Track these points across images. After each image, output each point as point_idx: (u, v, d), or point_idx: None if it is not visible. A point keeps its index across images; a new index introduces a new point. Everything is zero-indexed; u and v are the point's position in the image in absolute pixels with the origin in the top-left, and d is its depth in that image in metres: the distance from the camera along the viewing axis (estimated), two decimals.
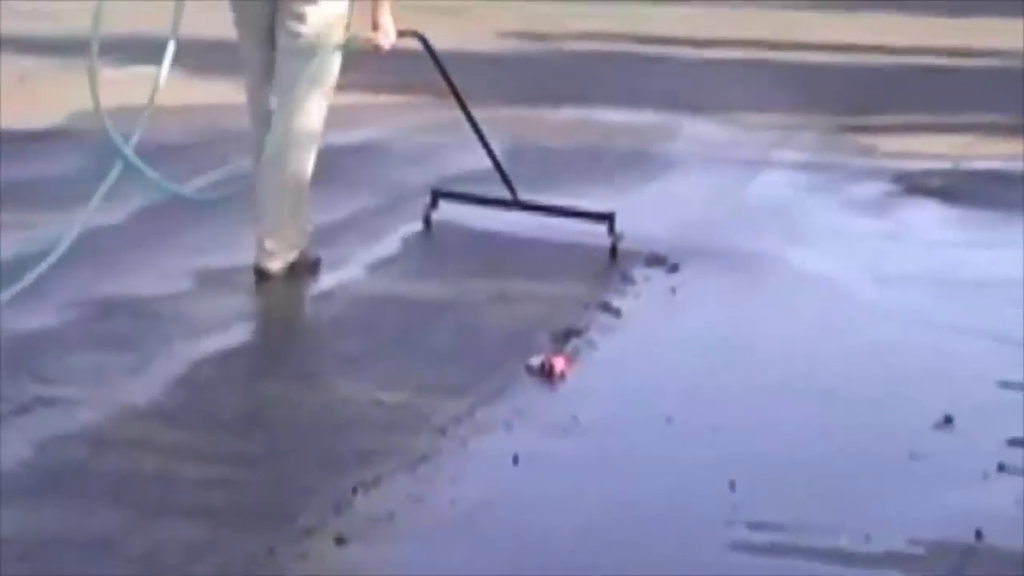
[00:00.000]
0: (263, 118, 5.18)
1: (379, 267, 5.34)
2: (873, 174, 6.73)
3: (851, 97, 8.41)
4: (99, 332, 4.57)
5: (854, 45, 9.83)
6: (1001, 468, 3.75)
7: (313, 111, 5.13)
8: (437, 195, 5.86)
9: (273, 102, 5.14)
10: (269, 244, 5.13)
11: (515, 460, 3.75)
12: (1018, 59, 9.50)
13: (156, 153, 6.43)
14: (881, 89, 8.62)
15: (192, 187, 5.67)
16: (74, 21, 6.54)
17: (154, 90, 4.75)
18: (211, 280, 5.11)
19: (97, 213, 4.49)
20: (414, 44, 5.40)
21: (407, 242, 5.66)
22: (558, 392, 4.26)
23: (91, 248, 5.02)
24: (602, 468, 3.74)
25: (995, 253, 5.69)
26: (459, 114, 5.71)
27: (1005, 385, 4.34)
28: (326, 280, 5.16)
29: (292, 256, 5.18)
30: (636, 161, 6.77)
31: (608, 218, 5.56)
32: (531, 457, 3.76)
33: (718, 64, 9.31)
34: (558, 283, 5.20)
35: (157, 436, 3.85)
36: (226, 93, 7.70)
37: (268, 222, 5.13)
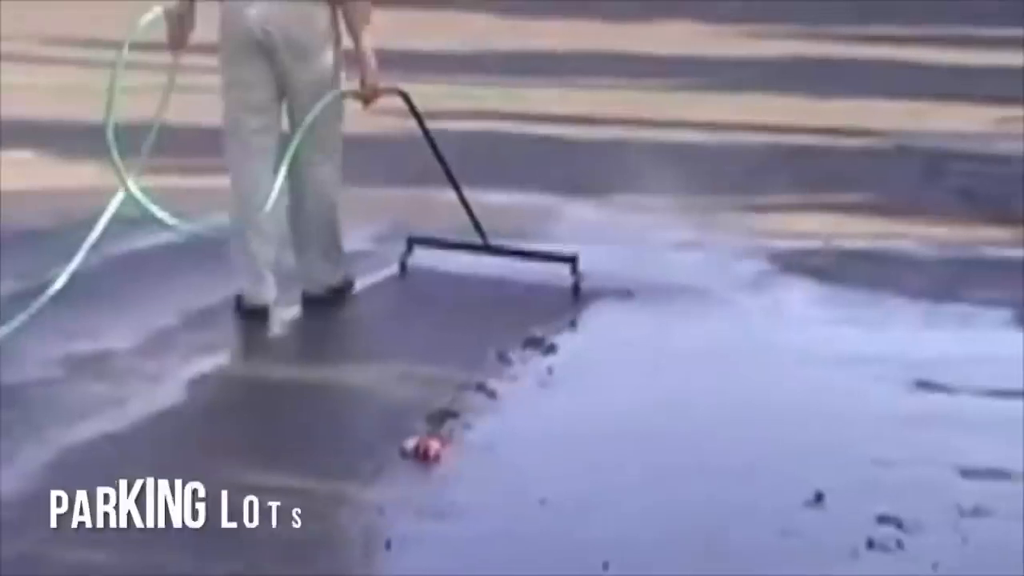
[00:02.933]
0: (254, 168, 5.60)
1: (255, 350, 5.30)
2: (748, 253, 6.81)
3: (726, 176, 8.51)
4: None
5: (729, 124, 9.97)
6: (870, 545, 3.78)
7: (335, 153, 5.73)
8: (412, 241, 6.29)
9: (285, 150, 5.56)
10: (310, 274, 5.76)
11: (388, 545, 3.72)
12: (886, 139, 9.69)
13: (18, 238, 6.42)
14: (755, 168, 8.74)
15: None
16: None
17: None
18: (80, 367, 5.04)
19: None
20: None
21: (283, 324, 5.62)
22: (432, 475, 4.24)
23: None
24: (476, 551, 3.72)
25: (865, 331, 5.77)
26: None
27: (877, 462, 4.38)
28: (200, 365, 5.10)
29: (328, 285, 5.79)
30: (515, 243, 6.79)
31: (572, 260, 6.07)
32: (404, 541, 3.73)
33: (596, 144, 9.39)
34: (433, 364, 5.18)
35: (24, 522, 3.77)
36: (92, 177, 7.66)
37: (307, 256, 5.77)
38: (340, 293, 5.90)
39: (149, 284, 5.85)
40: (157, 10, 5.26)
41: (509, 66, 12.15)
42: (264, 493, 4.00)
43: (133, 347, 5.26)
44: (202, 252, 6.23)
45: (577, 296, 6.03)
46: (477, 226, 6.26)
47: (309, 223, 5.77)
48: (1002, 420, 4.79)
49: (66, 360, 5.08)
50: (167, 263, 6.01)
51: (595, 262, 6.23)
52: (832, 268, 6.59)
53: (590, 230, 6.94)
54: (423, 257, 6.37)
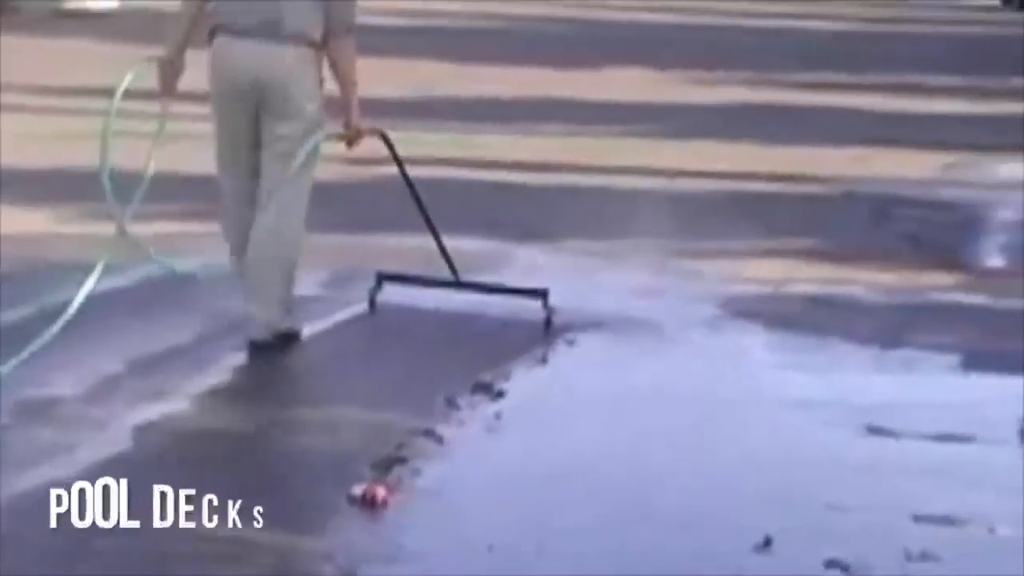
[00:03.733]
0: (245, 212, 5.77)
1: (202, 398, 5.26)
2: (698, 297, 6.83)
3: (676, 222, 8.55)
4: None
5: (679, 171, 10.02)
6: None
7: (301, 198, 5.76)
8: (382, 277, 6.38)
9: (263, 194, 5.72)
10: (261, 318, 5.69)
11: None
12: (833, 185, 9.76)
13: None
14: (706, 214, 8.77)
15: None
16: None
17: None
18: (27, 413, 4.99)
19: None
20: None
21: (231, 371, 5.59)
22: (380, 521, 4.22)
23: None
24: None
25: (814, 375, 5.79)
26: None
27: (827, 507, 4.39)
28: (147, 412, 5.06)
29: (278, 329, 5.76)
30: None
31: (543, 294, 6.20)
32: None
33: (549, 190, 9.41)
34: (380, 410, 5.16)
35: None
36: (45, 223, 7.63)
37: (261, 300, 5.72)
38: (287, 340, 5.87)
39: (96, 330, 5.80)
40: (148, 58, 5.75)
41: (460, 112, 12.19)
42: (211, 542, 3.97)
43: (80, 394, 5.21)
44: (149, 299, 6.21)
45: (548, 330, 6.13)
46: (449, 263, 6.42)
47: (270, 264, 5.76)
48: (950, 465, 4.82)
49: (13, 406, 5.02)
50: (114, 310, 5.97)
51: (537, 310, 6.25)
52: (782, 313, 6.61)
53: (542, 274, 6.94)
54: (393, 294, 6.41)
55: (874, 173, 10.21)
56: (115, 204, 5.59)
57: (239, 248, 5.86)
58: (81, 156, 9.33)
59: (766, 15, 23.01)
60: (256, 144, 5.76)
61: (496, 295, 6.42)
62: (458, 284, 6.42)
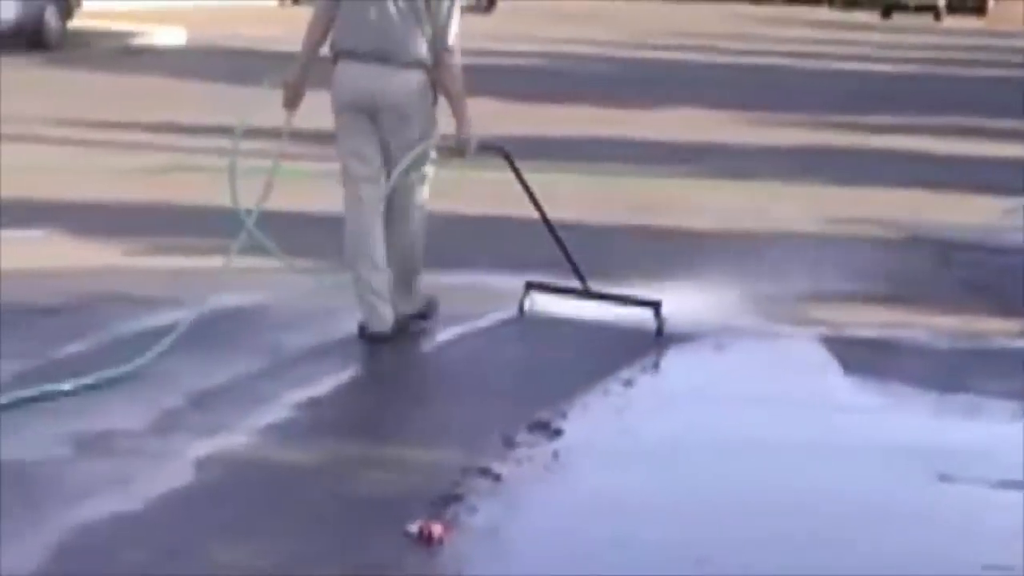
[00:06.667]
0: (363, 219, 6.33)
1: (260, 433, 5.26)
2: (761, 340, 6.78)
3: (737, 264, 8.48)
4: None
5: (735, 211, 9.97)
6: None
7: (420, 202, 6.45)
8: (531, 286, 6.92)
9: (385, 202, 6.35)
10: (387, 313, 6.31)
11: None
12: (895, 229, 9.69)
13: (28, 317, 6.41)
14: (765, 256, 8.68)
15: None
16: None
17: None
18: (87, 444, 5.02)
19: None
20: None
21: (290, 406, 5.59)
22: (436, 558, 4.21)
23: None
24: None
25: (880, 420, 5.75)
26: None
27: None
28: (203, 447, 5.07)
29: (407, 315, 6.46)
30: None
31: (655, 305, 6.66)
32: None
33: (604, 229, 9.37)
34: (437, 447, 5.17)
35: None
36: (102, 257, 7.67)
37: (392, 296, 6.36)
38: (408, 326, 6.48)
39: (156, 365, 5.83)
40: (273, 79, 6.39)
41: (516, 151, 12.19)
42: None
43: (140, 428, 5.23)
44: (209, 334, 6.23)
45: (660, 336, 6.59)
46: (576, 271, 6.90)
47: (398, 264, 6.42)
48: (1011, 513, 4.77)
49: (73, 438, 5.05)
50: (174, 345, 6.00)
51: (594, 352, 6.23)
52: (843, 356, 6.56)
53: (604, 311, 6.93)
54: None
55: (933, 216, 10.15)
56: (239, 204, 6.32)
57: (354, 253, 6.34)
58: (148, 191, 9.46)
59: (822, 56, 22.98)
60: (373, 152, 6.33)
61: (616, 304, 6.83)
62: (588, 293, 6.89)
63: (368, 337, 6.36)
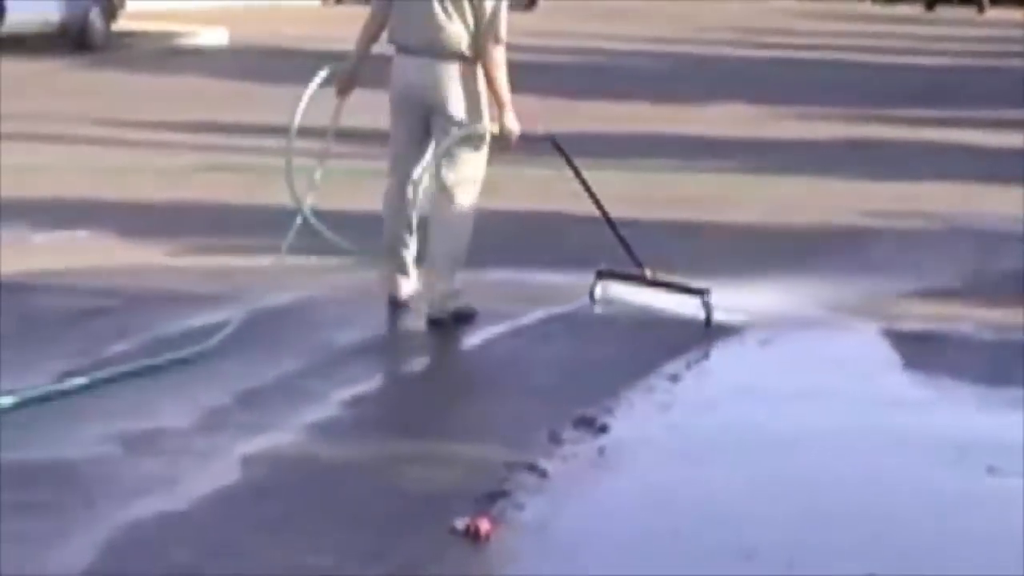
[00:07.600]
0: (406, 207, 6.68)
1: (306, 430, 5.28)
2: (810, 332, 6.76)
3: (783, 257, 8.43)
4: (21, 499, 4.48)
5: (781, 205, 9.93)
6: None
7: (469, 203, 6.60)
8: (601, 274, 7.06)
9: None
10: (436, 292, 6.55)
11: None
12: (941, 222, 9.63)
13: (74, 317, 6.45)
14: (811, 250, 8.63)
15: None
16: None
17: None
18: (133, 442, 5.04)
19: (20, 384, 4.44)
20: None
21: (336, 404, 5.60)
22: (483, 554, 4.21)
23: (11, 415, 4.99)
24: None
25: (925, 414, 5.71)
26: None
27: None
28: (249, 445, 5.09)
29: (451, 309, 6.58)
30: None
31: (702, 293, 6.76)
32: None
33: (652, 225, 9.33)
34: (483, 444, 5.17)
35: None
36: (147, 256, 7.70)
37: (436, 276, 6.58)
38: (462, 318, 6.60)
39: (203, 363, 5.86)
40: (330, 66, 6.76)
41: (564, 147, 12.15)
42: (313, 573, 3.98)
43: (187, 425, 5.26)
44: (255, 333, 6.25)
45: (708, 326, 6.67)
46: (633, 257, 6.99)
47: (443, 245, 6.56)
48: None
49: (120, 436, 5.08)
50: (221, 343, 6.03)
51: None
52: (890, 350, 6.53)
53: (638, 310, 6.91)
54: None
55: (978, 209, 10.07)
56: (295, 190, 6.72)
57: (392, 240, 6.70)
58: (191, 190, 9.49)
59: (865, 50, 22.84)
60: (424, 143, 6.64)
61: (670, 292, 6.92)
62: (651, 282, 6.98)
63: (390, 303, 6.75)
